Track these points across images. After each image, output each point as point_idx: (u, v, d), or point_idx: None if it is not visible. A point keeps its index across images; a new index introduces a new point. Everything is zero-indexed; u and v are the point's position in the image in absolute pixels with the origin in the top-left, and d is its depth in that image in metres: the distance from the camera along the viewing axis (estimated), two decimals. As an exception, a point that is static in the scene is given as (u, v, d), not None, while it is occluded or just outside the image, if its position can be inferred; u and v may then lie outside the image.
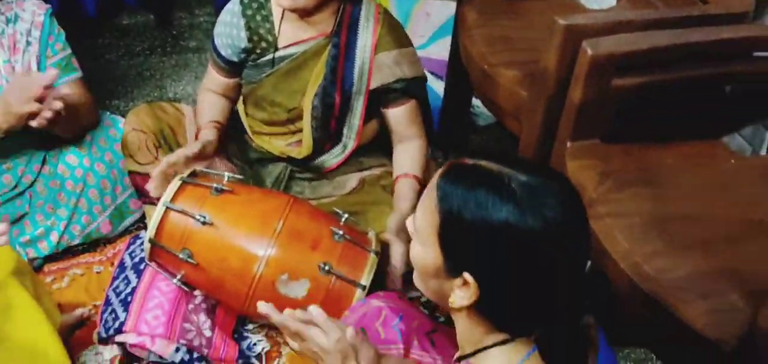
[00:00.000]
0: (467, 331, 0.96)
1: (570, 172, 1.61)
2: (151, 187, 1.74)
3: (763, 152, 1.93)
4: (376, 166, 1.98)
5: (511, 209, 0.85)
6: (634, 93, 1.62)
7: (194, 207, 1.60)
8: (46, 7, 1.94)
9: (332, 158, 1.95)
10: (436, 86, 2.48)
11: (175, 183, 1.64)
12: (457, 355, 1.05)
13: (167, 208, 1.59)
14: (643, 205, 1.50)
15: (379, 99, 1.88)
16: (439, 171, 0.94)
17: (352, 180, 1.96)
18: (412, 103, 1.88)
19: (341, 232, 1.62)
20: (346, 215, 1.67)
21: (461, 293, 0.91)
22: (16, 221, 1.89)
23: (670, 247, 1.41)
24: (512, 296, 0.89)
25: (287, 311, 1.20)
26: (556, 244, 0.86)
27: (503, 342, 0.93)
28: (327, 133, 1.90)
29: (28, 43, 1.88)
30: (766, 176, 1.63)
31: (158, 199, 1.64)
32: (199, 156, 1.77)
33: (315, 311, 1.16)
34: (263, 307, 1.21)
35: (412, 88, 1.86)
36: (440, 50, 2.65)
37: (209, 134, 1.85)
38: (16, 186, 1.89)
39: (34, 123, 1.70)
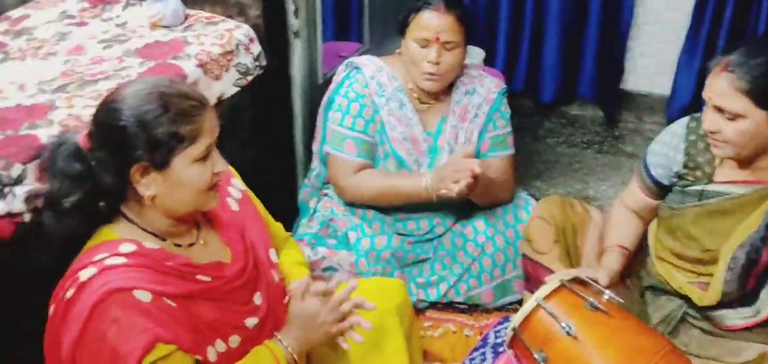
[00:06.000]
0: None
1: None
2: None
3: None
4: (788, 344, 1.69)
5: None
6: None
7: (564, 314, 1.57)
8: (502, 87, 2.15)
9: (738, 318, 1.73)
10: None
11: (554, 283, 1.64)
12: None
13: (539, 304, 1.60)
14: None
15: None
16: None
17: (751, 350, 1.71)
18: None
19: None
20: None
21: None
22: (418, 262, 2.14)
23: None
24: None
25: None
26: None
27: None
28: (741, 290, 1.70)
29: (476, 115, 2.10)
30: None
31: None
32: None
33: None
34: None
35: None
36: None
37: (613, 262, 1.79)
38: (428, 232, 2.14)
39: (455, 190, 1.89)
